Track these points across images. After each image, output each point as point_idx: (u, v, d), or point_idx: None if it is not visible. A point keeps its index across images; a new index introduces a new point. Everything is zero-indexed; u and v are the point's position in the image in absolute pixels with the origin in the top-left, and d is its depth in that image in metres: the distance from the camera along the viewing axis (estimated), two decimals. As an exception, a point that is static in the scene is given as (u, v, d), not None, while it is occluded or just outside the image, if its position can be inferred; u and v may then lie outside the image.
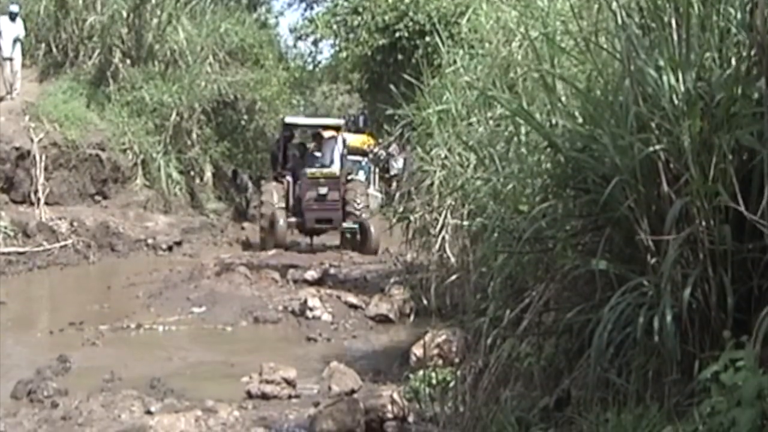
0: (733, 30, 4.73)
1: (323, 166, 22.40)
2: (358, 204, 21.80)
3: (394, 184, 21.25)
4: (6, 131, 22.04)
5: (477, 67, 10.27)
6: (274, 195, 21.81)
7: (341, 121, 26.36)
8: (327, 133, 23.44)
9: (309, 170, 22.04)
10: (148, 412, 8.88)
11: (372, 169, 26.38)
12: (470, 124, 9.70)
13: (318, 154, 23.07)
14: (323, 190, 21.61)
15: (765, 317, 3.66)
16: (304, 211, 21.79)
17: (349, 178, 22.83)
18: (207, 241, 24.10)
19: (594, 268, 4.81)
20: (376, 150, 26.20)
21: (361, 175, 23.68)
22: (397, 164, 24.82)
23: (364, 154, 26.05)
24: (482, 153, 8.12)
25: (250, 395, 9.74)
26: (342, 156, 22.74)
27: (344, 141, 23.10)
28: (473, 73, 10.23)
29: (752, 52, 4.43)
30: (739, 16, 4.68)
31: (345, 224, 21.85)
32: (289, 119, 24.62)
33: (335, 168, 22.27)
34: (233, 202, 29.46)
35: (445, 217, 10.06)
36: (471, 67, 10.42)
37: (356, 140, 27.74)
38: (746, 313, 4.25)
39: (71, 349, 11.58)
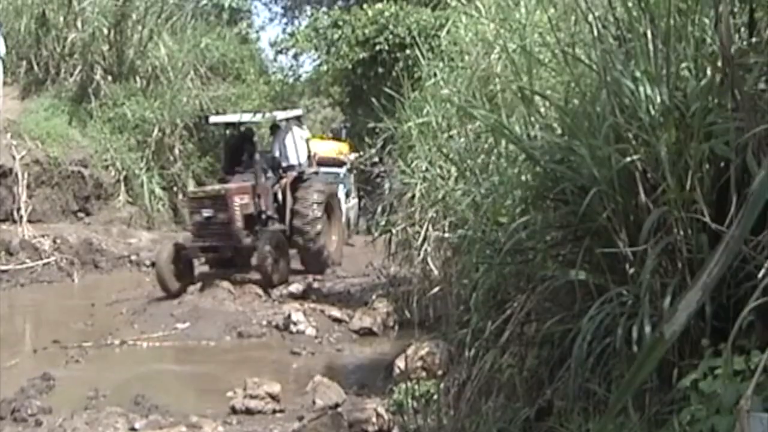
0: (708, 40, 4.77)
1: (274, 159, 19.37)
2: (309, 214, 18.46)
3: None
4: (-12, 149, 21.98)
5: (457, 80, 10.30)
6: None
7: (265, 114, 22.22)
8: (281, 122, 20.40)
9: (191, 189, 19.51)
10: (133, 429, 8.89)
11: (351, 179, 25.06)
12: (450, 136, 9.73)
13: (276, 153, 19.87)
14: (207, 213, 17.67)
15: (742, 324, 3.67)
16: (189, 238, 18.35)
17: (305, 177, 19.27)
18: (191, 256, 23.96)
19: (574, 278, 4.84)
20: (353, 158, 24.52)
21: (340, 189, 22.25)
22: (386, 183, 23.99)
23: (341, 164, 24.50)
24: (463, 165, 8.16)
25: (234, 410, 9.75)
26: (295, 145, 19.78)
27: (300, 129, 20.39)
28: (453, 85, 10.26)
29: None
30: (713, 26, 4.72)
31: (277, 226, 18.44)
32: (213, 119, 22.57)
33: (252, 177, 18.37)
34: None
35: (427, 229, 10.08)
36: (451, 80, 10.45)
37: (331, 150, 25.32)
38: (725, 321, 4.27)
39: (55, 367, 11.56)
